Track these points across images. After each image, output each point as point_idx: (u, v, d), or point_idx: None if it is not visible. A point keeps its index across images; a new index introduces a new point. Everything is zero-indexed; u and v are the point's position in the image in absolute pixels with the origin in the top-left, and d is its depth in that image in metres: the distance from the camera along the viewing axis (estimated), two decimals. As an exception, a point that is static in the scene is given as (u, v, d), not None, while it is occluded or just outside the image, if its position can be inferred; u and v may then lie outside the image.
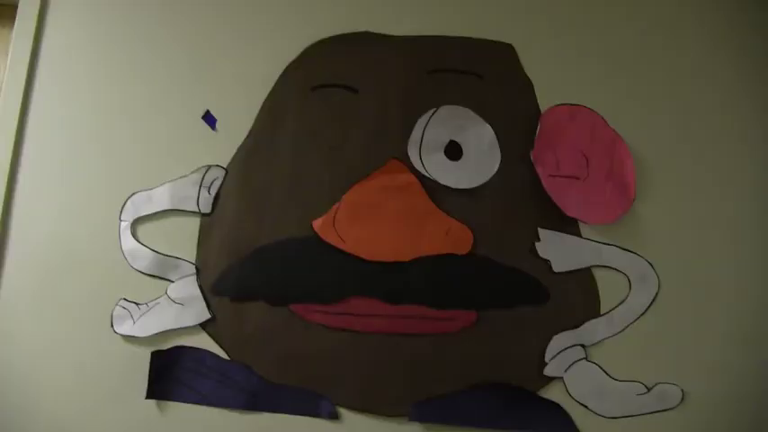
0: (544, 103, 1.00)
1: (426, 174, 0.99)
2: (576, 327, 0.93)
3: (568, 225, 0.96)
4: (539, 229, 0.96)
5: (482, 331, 0.94)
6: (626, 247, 0.95)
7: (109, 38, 1.13)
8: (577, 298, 0.94)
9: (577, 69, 1.02)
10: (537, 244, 0.95)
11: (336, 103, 1.03)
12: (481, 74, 1.02)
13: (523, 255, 0.96)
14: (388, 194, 0.98)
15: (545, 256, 0.95)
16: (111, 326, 1.02)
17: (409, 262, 0.95)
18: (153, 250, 1.03)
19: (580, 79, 1.01)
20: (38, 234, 1.08)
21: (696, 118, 0.99)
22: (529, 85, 1.01)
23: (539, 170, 0.97)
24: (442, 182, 0.98)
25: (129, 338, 1.01)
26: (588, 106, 1.00)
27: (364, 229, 0.97)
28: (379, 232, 0.97)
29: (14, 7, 1.14)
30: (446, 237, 0.96)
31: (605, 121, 0.99)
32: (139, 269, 1.03)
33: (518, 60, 1.02)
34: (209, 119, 1.07)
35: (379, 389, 0.94)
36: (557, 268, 0.95)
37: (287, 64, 1.06)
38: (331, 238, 0.97)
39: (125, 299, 1.03)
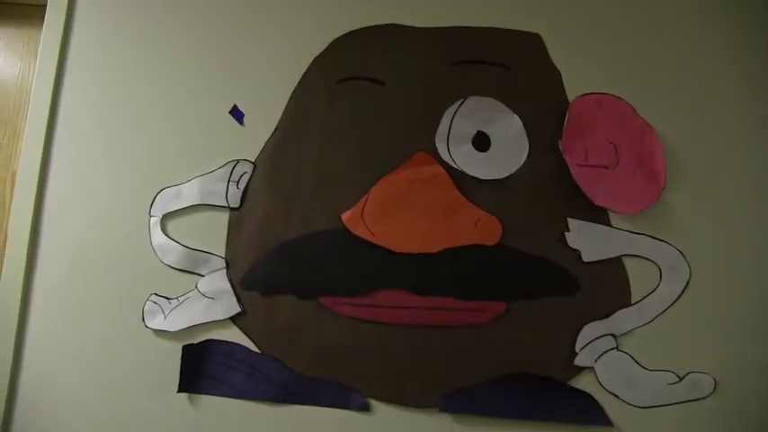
0: (572, 93, 1.00)
1: (454, 165, 0.99)
2: (607, 316, 0.93)
3: (598, 214, 0.96)
4: (568, 218, 0.96)
5: (511, 322, 0.94)
6: (656, 236, 0.95)
7: (137, 35, 1.14)
8: (608, 287, 0.94)
9: (606, 58, 1.01)
10: (566, 234, 0.95)
11: (363, 96, 1.04)
12: (508, 64, 1.02)
13: (553, 245, 0.95)
14: (416, 186, 0.99)
15: (575, 246, 0.95)
16: (143, 320, 1.03)
17: (438, 253, 0.96)
18: (183, 245, 1.04)
19: (609, 68, 1.01)
20: (68, 231, 1.09)
21: (726, 107, 0.99)
22: (556, 75, 1.01)
23: (567, 160, 0.96)
24: (471, 173, 0.98)
25: (160, 333, 1.02)
26: (617, 95, 0.99)
27: (393, 222, 0.98)
28: (408, 224, 0.97)
29: (43, 7, 1.15)
30: (475, 228, 0.96)
31: (634, 110, 0.99)
32: (169, 264, 1.04)
33: (545, 50, 1.02)
34: (236, 113, 1.08)
35: (408, 380, 0.95)
36: (587, 258, 0.95)
37: (313, 58, 1.06)
38: (360, 231, 0.98)
39: (156, 294, 1.04)
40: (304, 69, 1.06)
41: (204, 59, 1.11)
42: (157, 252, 1.05)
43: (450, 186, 0.98)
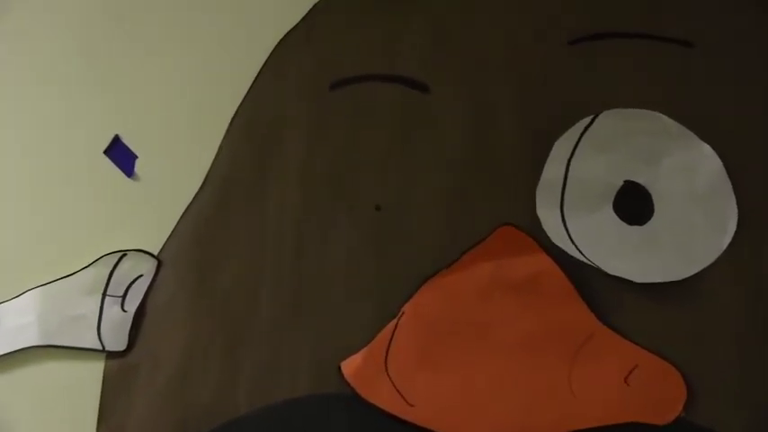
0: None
1: (578, 253, 1.00)
2: None
3: None
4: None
5: None
6: None
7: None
8: None
9: None
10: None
11: (385, 114, 1.09)
12: (689, 38, 1.05)
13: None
14: (498, 300, 1.00)
15: None
16: None
17: (551, 445, 0.94)
18: (3, 435, 1.07)
19: None
20: None
21: None
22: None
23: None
24: (612, 270, 0.99)
25: None
26: None
27: (451, 377, 0.99)
28: (484, 382, 0.99)
29: None
30: (626, 387, 0.96)
31: None
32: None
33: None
34: (119, 155, 1.14)
35: None
36: None
37: (278, 40, 1.14)
38: (380, 397, 0.99)
39: None
40: (260, 64, 1.14)
41: (59, 54, 1.20)
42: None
43: (570, 298, 0.99)
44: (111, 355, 1.10)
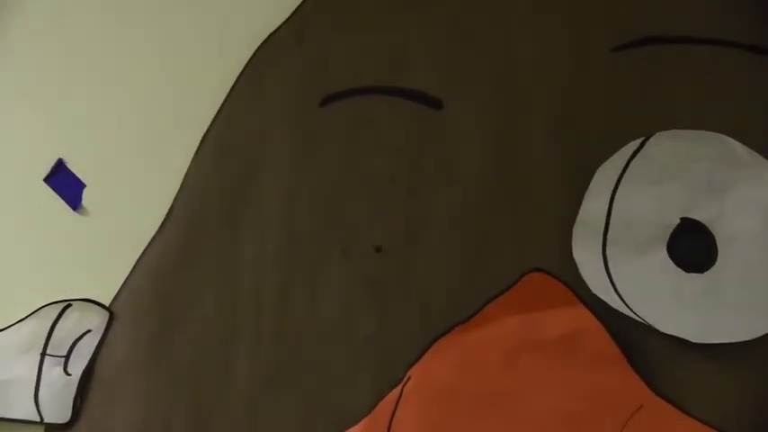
0: None
1: (624, 307, 0.98)
2: None
3: None
4: None
5: None
6: None
7: None
8: None
9: None
10: None
11: (388, 136, 1.08)
12: (762, 44, 1.03)
13: None
14: (526, 364, 0.98)
15: None
16: None
17: None
18: None
19: None
20: None
21: None
22: None
23: None
24: (666, 327, 0.97)
25: None
26: None
27: None
28: None
29: None
30: None
31: None
32: None
33: None
34: (63, 183, 1.13)
35: None
36: None
37: (259, 41, 1.13)
38: None
39: None
40: (235, 72, 1.13)
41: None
42: None
43: (615, 362, 0.96)
44: (50, 429, 1.08)
